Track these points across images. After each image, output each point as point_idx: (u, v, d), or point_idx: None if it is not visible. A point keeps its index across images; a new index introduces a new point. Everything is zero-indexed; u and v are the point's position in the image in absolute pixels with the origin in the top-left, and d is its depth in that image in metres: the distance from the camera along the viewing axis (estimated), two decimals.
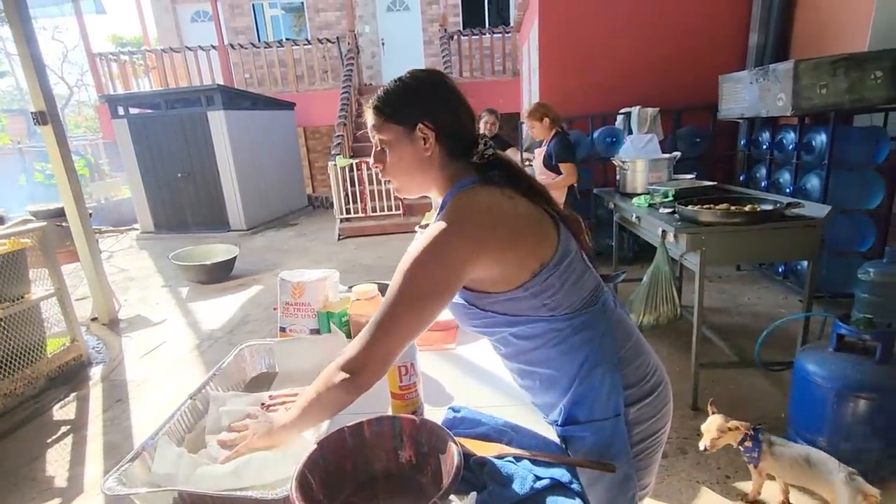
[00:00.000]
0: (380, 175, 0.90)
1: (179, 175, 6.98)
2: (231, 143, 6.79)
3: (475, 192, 0.80)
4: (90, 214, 4.08)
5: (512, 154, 4.01)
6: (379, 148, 0.86)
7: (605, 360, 0.84)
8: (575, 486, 0.76)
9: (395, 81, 0.85)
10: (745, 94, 3.54)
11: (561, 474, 0.77)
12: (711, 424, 1.67)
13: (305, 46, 8.66)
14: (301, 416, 0.79)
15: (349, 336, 1.16)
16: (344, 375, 0.76)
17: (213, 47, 8.48)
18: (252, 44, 8.92)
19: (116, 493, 0.69)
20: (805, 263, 2.46)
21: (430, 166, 0.85)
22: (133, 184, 7.15)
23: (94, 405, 2.65)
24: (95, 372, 3.03)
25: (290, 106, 8.48)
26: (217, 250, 4.98)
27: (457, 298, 0.84)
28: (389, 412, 0.94)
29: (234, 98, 7.05)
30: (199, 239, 6.63)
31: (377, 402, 0.96)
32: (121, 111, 6.91)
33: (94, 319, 3.81)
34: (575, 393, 0.85)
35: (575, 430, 0.86)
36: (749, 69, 3.55)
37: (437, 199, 0.89)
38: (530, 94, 5.81)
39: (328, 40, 8.72)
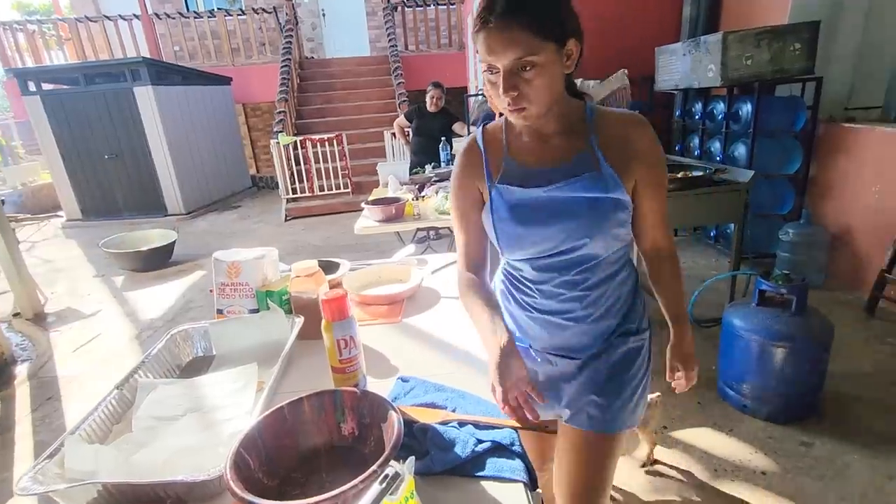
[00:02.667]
0: (507, 105, 0.78)
1: (107, 157, 6.47)
2: (163, 121, 6.34)
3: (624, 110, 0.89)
4: (2, 202, 3.72)
5: (459, 129, 3.98)
6: (516, 72, 0.75)
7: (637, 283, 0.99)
8: (516, 447, 0.79)
9: None
10: (678, 66, 3.67)
11: (502, 437, 0.80)
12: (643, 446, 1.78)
13: (240, 17, 8.15)
14: None
15: (290, 313, 1.13)
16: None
17: (136, 17, 7.81)
18: (180, 13, 8.28)
19: (32, 492, 0.64)
20: (733, 226, 2.62)
21: (561, 85, 0.82)
22: (53, 167, 6.56)
23: (21, 405, 2.46)
24: (21, 370, 2.82)
25: (226, 81, 8.00)
26: (153, 236, 4.70)
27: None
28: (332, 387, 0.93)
29: (163, 72, 6.55)
30: (132, 225, 6.23)
31: (319, 378, 0.95)
32: (32, 87, 6.26)
33: (16, 315, 3.53)
34: (633, 308, 0.96)
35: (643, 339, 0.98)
36: (683, 41, 3.67)
37: (544, 120, 0.84)
38: (476, 68, 5.76)
39: (264, 10, 8.24)
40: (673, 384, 1.04)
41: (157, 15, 8.12)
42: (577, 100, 0.89)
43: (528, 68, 0.74)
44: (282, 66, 7.36)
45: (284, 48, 7.65)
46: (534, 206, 0.86)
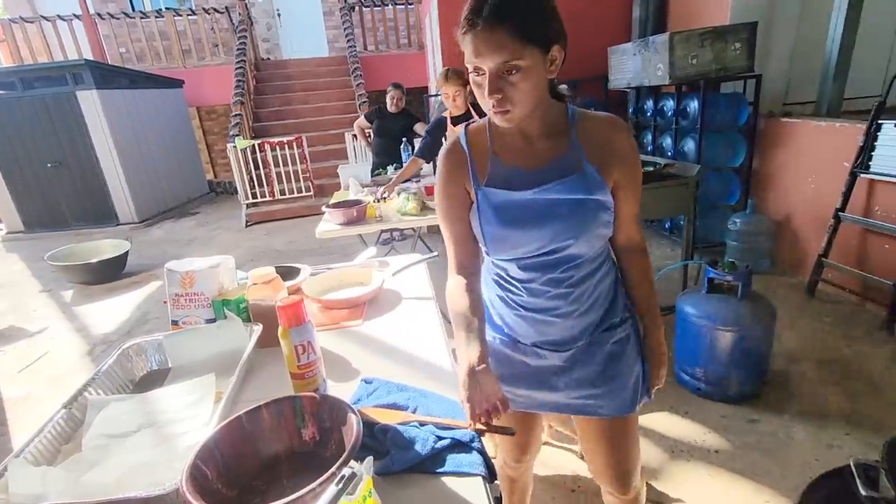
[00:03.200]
0: (492, 106, 0.79)
1: (49, 165, 6.13)
2: (110, 126, 6.05)
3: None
4: None
5: (420, 129, 3.99)
6: (502, 75, 0.76)
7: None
8: (475, 443, 0.81)
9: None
10: (630, 65, 3.80)
11: (462, 434, 0.82)
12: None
13: (190, 17, 7.87)
14: None
15: (248, 321, 1.11)
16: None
17: (77, 17, 7.43)
18: (125, 13, 7.92)
19: None
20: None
21: (545, 88, 0.83)
22: None
23: None
24: None
25: (178, 84, 7.71)
26: (104, 247, 4.49)
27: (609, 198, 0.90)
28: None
29: (108, 75, 6.25)
30: (81, 235, 5.93)
31: (280, 386, 0.94)
32: None
33: None
34: (615, 301, 1.00)
35: (627, 329, 1.01)
36: (633, 41, 3.80)
37: (528, 122, 0.86)
38: (435, 67, 5.78)
39: (216, 10, 7.99)
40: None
41: (99, 15, 7.74)
42: (559, 102, 0.91)
43: (513, 72, 0.76)
44: (236, 68, 7.17)
45: (238, 49, 7.44)
46: (520, 207, 0.88)
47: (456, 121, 2.82)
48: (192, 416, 0.86)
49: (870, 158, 2.65)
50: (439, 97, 4.55)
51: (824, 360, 2.28)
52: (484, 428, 0.78)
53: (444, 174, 0.94)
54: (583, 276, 0.94)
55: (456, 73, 2.69)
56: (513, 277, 0.96)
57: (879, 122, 2.62)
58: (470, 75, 0.81)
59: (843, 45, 3.07)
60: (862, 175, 2.69)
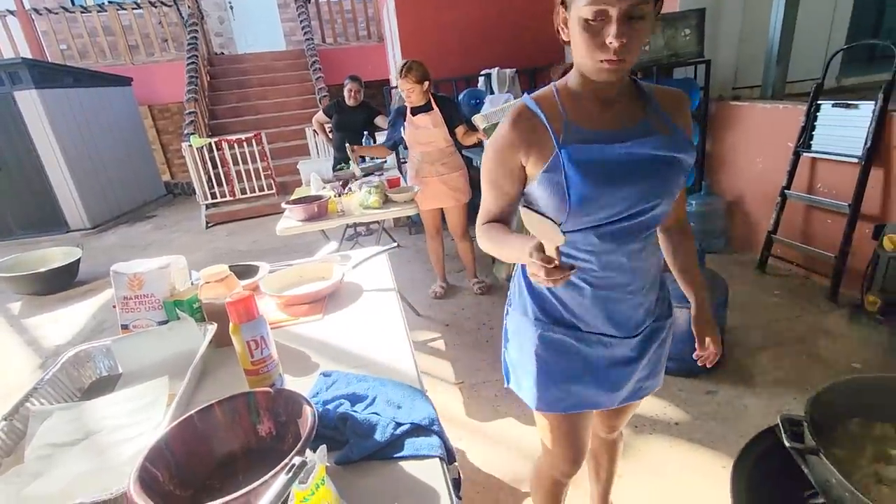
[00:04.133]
0: (612, 55, 0.74)
1: None
2: (53, 127, 5.72)
3: None
4: None
5: (381, 122, 3.95)
6: (628, 20, 0.73)
7: None
8: (435, 426, 0.82)
9: None
10: None
11: (421, 418, 0.82)
12: None
13: (136, 11, 7.51)
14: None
15: (202, 321, 1.09)
16: None
17: (11, 12, 6.99)
18: (64, 8, 7.48)
19: None
20: None
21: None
22: None
23: None
24: None
25: (126, 81, 7.36)
26: (53, 255, 4.26)
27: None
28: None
29: (48, 74, 5.90)
30: (28, 245, 5.62)
31: (237, 385, 0.93)
32: None
33: None
34: (663, 283, 1.03)
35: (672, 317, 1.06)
36: None
37: (609, 84, 0.82)
38: (395, 59, 5.72)
39: (163, 3, 7.65)
40: (700, 359, 1.08)
41: (35, 10, 7.30)
42: None
43: (638, 18, 0.73)
44: (188, 64, 6.89)
45: (190, 44, 7.16)
46: (612, 164, 0.82)
47: (416, 110, 2.80)
48: (142, 420, 0.83)
49: (811, 138, 2.79)
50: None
51: (774, 332, 2.39)
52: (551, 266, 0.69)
53: (504, 139, 0.86)
54: (652, 249, 0.94)
55: (410, 70, 2.65)
56: (584, 250, 0.89)
57: (818, 102, 2.75)
58: (581, 23, 0.75)
59: (784, 30, 3.21)
60: (804, 154, 2.83)
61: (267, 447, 0.77)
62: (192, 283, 1.25)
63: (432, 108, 2.79)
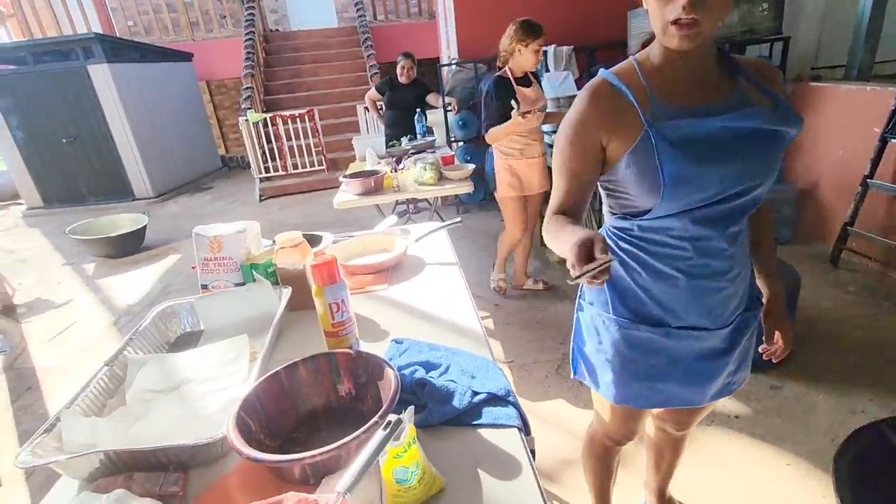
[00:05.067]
0: (682, 9, 0.68)
1: (65, 141, 6.16)
2: (122, 100, 6.04)
3: None
4: None
5: (433, 100, 3.92)
6: None
7: None
8: (511, 397, 0.82)
9: None
10: (650, 29, 3.67)
11: (497, 388, 0.82)
12: None
13: None
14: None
15: (276, 284, 1.12)
16: None
17: None
18: None
19: (31, 465, 0.64)
20: None
21: (729, 10, 0.76)
22: (6, 153, 6.23)
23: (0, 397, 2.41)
24: None
25: (187, 57, 7.64)
26: (122, 221, 4.54)
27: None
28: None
29: (118, 49, 6.21)
30: (99, 211, 6.01)
31: (311, 346, 0.96)
32: None
33: None
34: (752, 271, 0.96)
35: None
36: None
37: (694, 56, 0.77)
38: (447, 37, 5.64)
39: None
40: (766, 353, 1.01)
41: None
42: None
43: None
44: (245, 40, 7.06)
45: (247, 20, 7.32)
46: (708, 140, 0.75)
47: (520, 82, 2.40)
48: (229, 373, 0.88)
49: None
50: (452, 66, 4.46)
51: (848, 329, 2.25)
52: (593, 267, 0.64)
53: (581, 116, 0.80)
54: (744, 234, 0.87)
55: (539, 28, 2.27)
56: (678, 237, 0.82)
57: None
58: None
59: (875, 5, 2.93)
60: (893, 140, 2.60)
61: (347, 406, 0.80)
62: (263, 249, 1.29)
63: (531, 81, 2.48)
